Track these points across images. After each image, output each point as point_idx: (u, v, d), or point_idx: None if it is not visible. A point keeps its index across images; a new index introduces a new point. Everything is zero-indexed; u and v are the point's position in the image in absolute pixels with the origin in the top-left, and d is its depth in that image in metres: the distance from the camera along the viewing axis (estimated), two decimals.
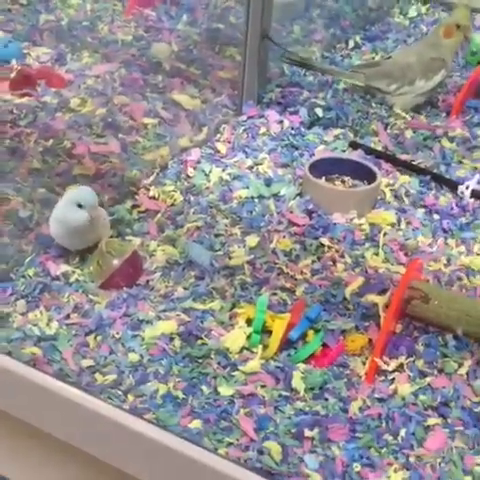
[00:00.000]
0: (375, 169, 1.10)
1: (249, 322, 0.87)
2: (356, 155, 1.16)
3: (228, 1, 1.53)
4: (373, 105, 1.28)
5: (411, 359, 0.85)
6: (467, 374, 0.83)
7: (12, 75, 1.25)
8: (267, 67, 1.30)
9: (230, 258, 0.97)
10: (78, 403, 0.75)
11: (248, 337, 0.85)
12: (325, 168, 1.11)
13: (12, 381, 0.78)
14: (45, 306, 0.88)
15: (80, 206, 0.91)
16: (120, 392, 0.79)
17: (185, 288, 0.93)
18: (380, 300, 0.90)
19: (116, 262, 0.92)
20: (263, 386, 0.81)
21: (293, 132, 1.22)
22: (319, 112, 1.25)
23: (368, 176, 1.10)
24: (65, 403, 0.76)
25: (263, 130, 1.23)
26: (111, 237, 0.97)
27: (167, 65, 1.33)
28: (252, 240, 1.00)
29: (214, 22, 1.46)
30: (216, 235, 1.01)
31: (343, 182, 1.12)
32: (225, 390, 0.80)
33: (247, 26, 1.23)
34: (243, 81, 1.27)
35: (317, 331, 0.87)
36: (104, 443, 0.75)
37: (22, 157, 1.09)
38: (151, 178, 1.10)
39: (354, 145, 1.19)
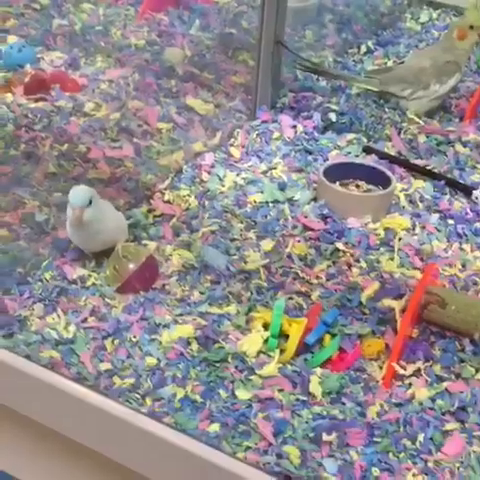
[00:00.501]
0: (389, 174, 1.11)
1: (266, 326, 0.87)
2: (370, 160, 1.17)
3: (240, 6, 1.54)
4: (386, 110, 1.28)
5: (428, 364, 0.85)
6: None
7: (26, 80, 1.26)
8: (280, 72, 1.30)
9: (245, 262, 0.97)
10: (97, 406, 0.76)
11: (265, 341, 0.85)
12: (339, 173, 1.12)
13: (31, 384, 0.78)
14: (62, 310, 0.88)
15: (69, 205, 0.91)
16: (138, 396, 0.79)
17: (201, 292, 0.93)
18: (396, 305, 0.90)
19: (132, 266, 0.93)
20: (280, 390, 0.81)
21: (307, 137, 1.23)
22: (332, 117, 1.25)
23: (382, 181, 1.11)
24: (84, 406, 0.76)
25: (276, 135, 1.23)
26: (127, 241, 0.97)
27: (180, 70, 1.33)
28: (267, 244, 1.01)
29: (227, 27, 1.47)
30: (231, 239, 1.02)
31: (357, 187, 1.12)
32: (243, 394, 0.80)
33: (261, 31, 1.23)
34: (257, 86, 1.27)
35: (334, 335, 0.87)
36: (123, 446, 0.75)
37: (38, 161, 1.09)
38: (166, 182, 1.10)
39: (368, 150, 1.20)
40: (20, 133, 1.14)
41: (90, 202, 0.90)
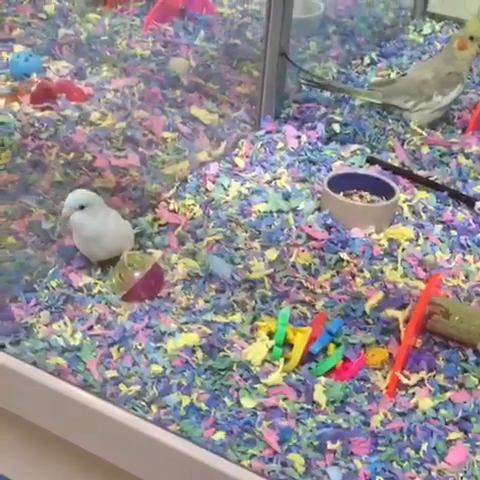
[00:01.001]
0: (393, 185, 1.11)
1: (270, 335, 0.88)
2: (373, 171, 1.17)
3: (245, 17, 1.56)
4: (390, 121, 1.29)
5: (431, 374, 0.85)
6: None
7: (33, 89, 1.27)
8: (285, 83, 1.31)
9: (250, 271, 0.98)
10: (103, 413, 0.76)
11: (270, 350, 0.86)
12: (343, 183, 1.12)
13: (37, 391, 0.79)
14: (68, 317, 0.89)
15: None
16: (144, 403, 0.80)
17: (206, 301, 0.94)
18: (400, 315, 0.91)
19: (138, 274, 0.93)
20: (285, 399, 0.82)
21: (310, 147, 1.24)
22: (336, 128, 1.26)
23: (386, 192, 1.11)
24: (90, 413, 0.77)
25: (281, 145, 1.24)
26: (133, 250, 0.98)
27: (185, 80, 1.34)
28: (271, 254, 1.01)
29: (231, 38, 1.48)
30: (236, 248, 1.02)
31: (361, 197, 1.13)
32: (247, 402, 0.81)
33: (266, 42, 1.24)
34: (261, 96, 1.28)
35: (338, 345, 0.88)
36: (128, 453, 0.76)
37: (44, 170, 1.10)
38: (171, 192, 1.11)
39: (372, 160, 1.20)
40: (27, 142, 1.15)
41: (82, 207, 0.91)
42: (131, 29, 1.51)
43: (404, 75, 1.35)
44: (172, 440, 0.74)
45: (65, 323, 0.88)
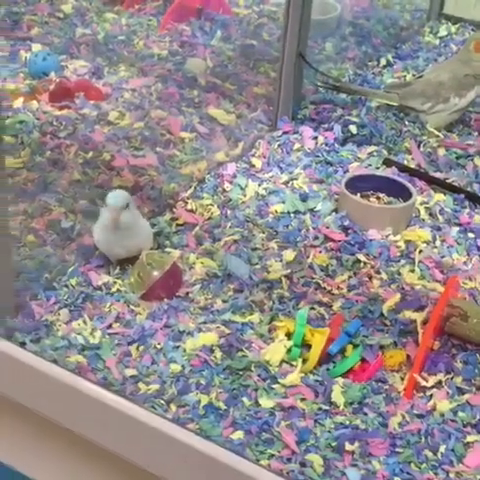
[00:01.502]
0: (410, 187, 1.12)
1: (288, 335, 0.88)
2: (390, 172, 1.18)
3: (261, 18, 1.56)
4: (406, 123, 1.30)
5: (449, 376, 0.85)
6: None
7: (51, 87, 1.28)
8: (302, 84, 1.31)
9: (268, 272, 0.98)
10: (122, 411, 0.77)
11: (288, 350, 0.86)
12: (360, 184, 1.13)
13: (58, 388, 0.79)
14: (88, 315, 0.89)
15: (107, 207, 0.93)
16: (163, 402, 0.80)
17: (224, 300, 0.94)
18: (418, 317, 0.91)
19: (156, 274, 0.94)
20: (303, 399, 0.82)
21: (327, 148, 1.24)
22: (353, 129, 1.27)
23: (402, 193, 1.11)
24: (110, 411, 0.77)
25: (297, 146, 1.25)
26: (151, 249, 0.99)
27: (202, 80, 1.35)
28: (289, 255, 1.01)
29: (248, 38, 1.48)
30: (253, 249, 1.03)
31: (378, 199, 1.13)
32: (266, 402, 0.81)
33: (284, 43, 1.25)
34: (278, 97, 1.28)
35: (356, 346, 0.88)
36: (147, 451, 0.76)
37: (63, 168, 1.11)
38: (189, 191, 1.12)
39: (388, 162, 1.21)
40: (45, 140, 1.16)
41: (127, 205, 0.92)
42: (148, 29, 1.52)
43: (420, 77, 1.35)
44: (191, 439, 0.75)
45: (84, 321, 0.88)
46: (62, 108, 1.24)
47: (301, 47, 1.27)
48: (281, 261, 1.01)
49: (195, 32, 1.50)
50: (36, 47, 1.41)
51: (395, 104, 1.30)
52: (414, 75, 1.45)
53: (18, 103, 1.23)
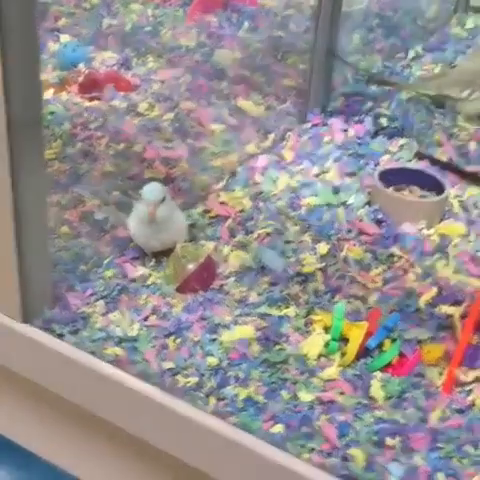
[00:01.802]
0: (443, 180, 1.11)
1: (326, 329, 0.87)
2: (422, 165, 1.17)
3: (289, 9, 1.55)
4: (437, 115, 1.29)
5: None
6: None
7: (80, 79, 1.27)
8: (332, 76, 1.31)
9: (302, 265, 0.98)
10: (163, 404, 0.76)
11: (325, 344, 0.86)
12: (392, 178, 1.12)
13: (97, 380, 0.79)
14: (124, 307, 0.89)
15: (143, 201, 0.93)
16: (202, 395, 0.80)
17: (259, 293, 0.94)
18: (455, 311, 0.90)
19: (191, 266, 0.93)
20: (341, 393, 0.82)
21: (358, 141, 1.23)
22: (383, 121, 1.26)
23: (435, 187, 1.11)
24: (150, 404, 0.77)
25: (327, 138, 1.24)
26: (185, 241, 0.98)
27: (231, 72, 1.34)
28: (323, 248, 1.01)
29: (276, 30, 1.47)
30: (286, 242, 1.02)
31: (411, 192, 1.12)
32: (305, 396, 0.81)
33: (315, 35, 1.24)
34: (309, 89, 1.28)
35: (393, 340, 0.87)
36: (188, 444, 0.76)
37: (94, 160, 1.10)
38: (221, 184, 1.11)
39: (420, 155, 1.20)
40: (76, 131, 1.15)
41: (164, 199, 0.92)
42: (175, 20, 1.51)
43: (454, 67, 1.34)
44: (232, 432, 0.74)
45: (122, 313, 0.88)
46: (92, 99, 1.24)
47: (332, 39, 1.26)
48: (315, 254, 1.00)
49: (222, 23, 1.49)
50: (64, 38, 1.41)
51: (432, 93, 1.28)
52: (444, 66, 1.44)
53: (48, 94, 1.23)
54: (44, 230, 0.83)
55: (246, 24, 1.48)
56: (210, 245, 1.00)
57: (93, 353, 0.81)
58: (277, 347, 0.86)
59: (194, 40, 1.44)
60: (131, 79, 1.31)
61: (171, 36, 1.45)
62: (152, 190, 0.92)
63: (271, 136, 1.22)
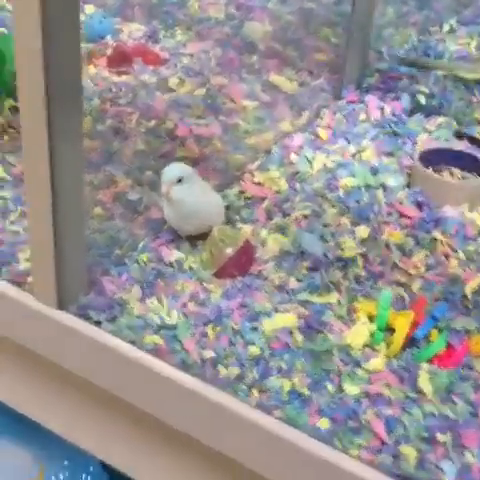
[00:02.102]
0: None
1: (370, 318, 0.85)
2: (463, 146, 1.13)
3: None
4: (476, 93, 1.24)
5: None
6: None
7: (109, 52, 1.23)
8: (367, 51, 1.26)
9: (342, 250, 0.95)
10: (206, 397, 0.74)
11: (371, 334, 0.83)
12: (431, 158, 1.08)
13: (137, 371, 0.77)
14: (161, 293, 0.86)
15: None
16: (244, 386, 0.77)
17: (299, 279, 0.91)
18: None
19: (229, 251, 0.90)
20: (387, 385, 0.79)
21: (394, 119, 1.19)
22: (421, 99, 1.22)
23: (476, 168, 1.07)
24: (192, 396, 0.74)
25: (363, 116, 1.20)
26: (222, 224, 0.95)
27: (261, 45, 1.30)
28: (363, 231, 0.98)
29: (308, 1, 1.42)
30: (325, 225, 0.99)
31: (451, 174, 1.08)
32: (350, 388, 0.78)
33: (353, 9, 1.19)
34: (344, 64, 1.23)
35: (440, 330, 0.84)
36: (231, 438, 0.74)
37: (125, 138, 1.07)
38: (256, 163, 1.07)
39: (459, 134, 1.16)
40: (106, 107, 1.12)
41: (179, 180, 0.88)
42: None
43: None
44: (279, 427, 0.72)
45: (159, 300, 0.85)
46: (120, 74, 1.20)
47: (369, 12, 1.22)
48: (354, 238, 0.97)
49: None
50: (89, 8, 1.36)
51: (467, 76, 1.24)
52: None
53: None
54: (81, 210, 0.79)
55: None
56: (248, 228, 0.96)
57: (133, 342, 0.78)
58: (321, 336, 0.83)
59: (222, 12, 1.39)
60: (160, 53, 1.26)
61: (199, 7, 1.41)
62: (167, 171, 0.89)
63: (306, 113, 1.18)
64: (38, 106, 0.70)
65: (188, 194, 0.89)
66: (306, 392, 0.77)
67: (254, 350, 0.81)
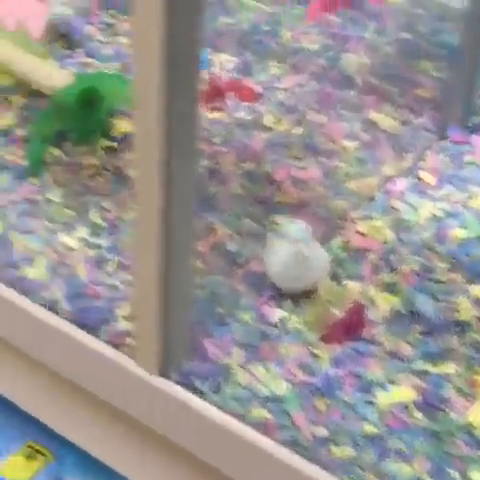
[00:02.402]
0: None
1: None
2: None
3: (418, 8, 1.43)
4: None
5: None
6: None
7: (203, 87, 1.18)
8: (474, 88, 1.19)
9: (457, 311, 0.88)
10: None
11: None
12: None
13: (244, 448, 0.71)
14: (266, 358, 0.80)
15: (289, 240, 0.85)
16: (360, 470, 0.71)
17: (411, 344, 0.84)
18: None
19: (337, 312, 0.84)
20: None
21: None
22: None
23: None
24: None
25: (469, 158, 1.13)
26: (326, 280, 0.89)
27: (359, 79, 1.23)
28: (478, 290, 0.90)
29: (404, 32, 1.36)
30: (436, 282, 0.92)
31: None
32: (478, 477, 0.71)
33: (461, 40, 1.12)
34: (447, 101, 1.16)
35: None
36: None
37: (222, 181, 1.02)
38: (358, 211, 1.01)
39: None
40: (201, 147, 1.06)
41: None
42: (294, 19, 1.40)
43: None
44: None
45: (265, 367, 0.79)
46: (213, 110, 1.15)
47: (475, 46, 1.15)
48: (468, 297, 0.90)
49: (346, 24, 1.38)
50: None
51: None
52: None
53: None
54: (189, 263, 0.74)
55: (372, 25, 1.37)
56: (354, 285, 0.90)
57: (241, 416, 0.73)
58: (441, 414, 0.76)
59: (316, 42, 1.33)
60: (254, 86, 1.21)
61: (291, 37, 1.35)
62: (298, 228, 0.83)
63: (409, 155, 1.11)
64: (153, 151, 0.66)
65: (311, 251, 0.85)
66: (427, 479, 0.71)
67: (369, 428, 0.75)
